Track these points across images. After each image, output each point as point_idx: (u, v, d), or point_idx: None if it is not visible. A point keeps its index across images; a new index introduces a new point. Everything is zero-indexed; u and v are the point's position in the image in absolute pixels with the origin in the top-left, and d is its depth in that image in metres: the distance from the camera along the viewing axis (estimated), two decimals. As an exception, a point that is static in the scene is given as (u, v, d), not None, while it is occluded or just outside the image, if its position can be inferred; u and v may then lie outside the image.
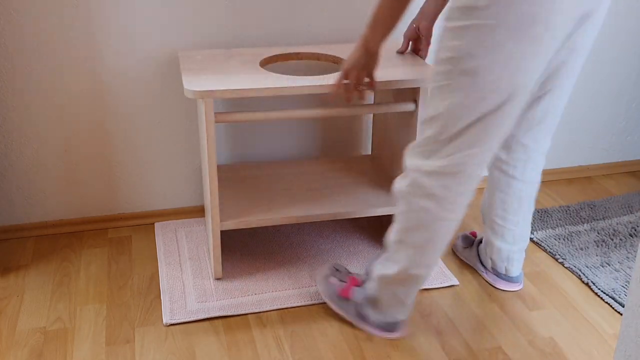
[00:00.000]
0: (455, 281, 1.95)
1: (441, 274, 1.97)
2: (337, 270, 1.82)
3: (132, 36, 1.96)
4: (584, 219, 2.27)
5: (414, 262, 1.58)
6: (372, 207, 1.96)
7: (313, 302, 1.84)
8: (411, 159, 1.52)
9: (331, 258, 2.03)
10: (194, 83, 1.71)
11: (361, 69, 1.64)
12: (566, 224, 2.24)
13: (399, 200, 1.56)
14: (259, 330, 1.74)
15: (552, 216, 2.27)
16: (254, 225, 1.89)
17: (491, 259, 1.90)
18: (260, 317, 1.79)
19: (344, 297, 1.75)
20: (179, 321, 1.76)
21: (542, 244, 2.12)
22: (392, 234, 1.60)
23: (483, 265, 1.95)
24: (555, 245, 2.12)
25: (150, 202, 2.21)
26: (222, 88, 1.70)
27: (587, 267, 2.01)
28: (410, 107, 1.83)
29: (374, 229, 2.18)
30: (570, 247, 2.11)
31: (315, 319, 1.79)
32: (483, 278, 1.96)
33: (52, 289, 1.90)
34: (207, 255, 2.04)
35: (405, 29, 1.93)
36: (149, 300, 1.85)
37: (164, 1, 1.94)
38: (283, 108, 1.86)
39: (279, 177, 2.10)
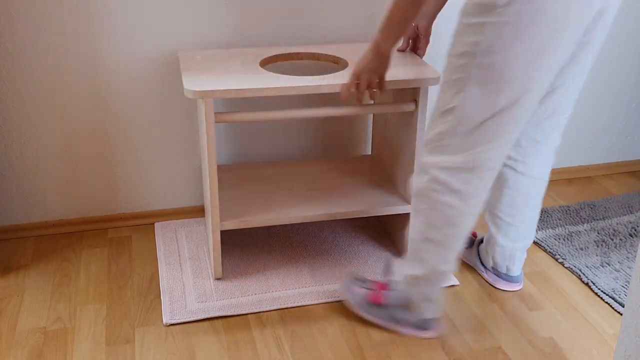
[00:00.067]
0: (455, 281, 1.95)
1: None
2: (357, 279, 1.81)
3: (132, 36, 1.96)
4: (584, 219, 2.27)
5: (441, 259, 1.60)
6: (372, 207, 1.96)
7: (313, 302, 1.84)
8: (428, 155, 1.53)
9: (331, 258, 2.03)
10: (194, 83, 1.71)
11: (372, 71, 1.66)
12: (566, 224, 2.24)
13: (420, 198, 1.57)
14: (259, 330, 1.74)
15: (552, 216, 2.27)
16: (254, 225, 1.89)
17: (493, 258, 1.90)
18: (260, 317, 1.79)
19: (375, 303, 1.74)
20: (179, 321, 1.76)
21: (542, 244, 2.12)
22: (414, 233, 1.62)
23: (483, 265, 1.95)
24: (555, 245, 2.12)
25: (150, 202, 2.21)
26: (222, 88, 1.70)
27: (587, 267, 2.01)
28: (410, 107, 1.83)
29: (374, 229, 2.18)
30: (570, 247, 2.11)
31: (315, 319, 1.79)
32: (483, 278, 1.96)
33: (52, 289, 1.90)
34: (207, 255, 2.04)
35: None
36: (149, 300, 1.85)
37: (164, 1, 1.94)
38: (283, 108, 1.86)
39: (279, 177, 2.10)
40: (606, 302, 1.87)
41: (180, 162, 2.17)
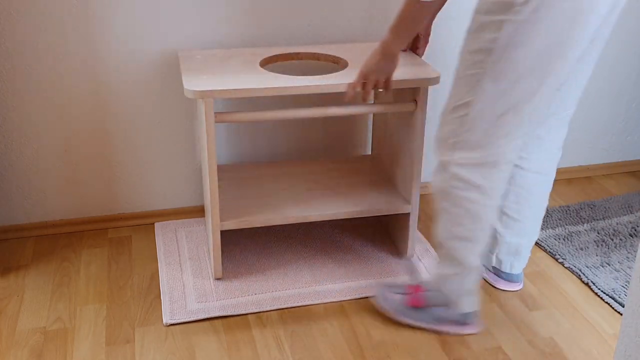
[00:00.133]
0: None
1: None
2: (390, 285, 1.81)
3: (132, 36, 1.96)
4: (584, 219, 2.27)
5: (471, 253, 1.63)
6: (372, 207, 1.96)
7: (313, 302, 1.84)
8: (445, 153, 1.55)
9: (331, 258, 2.03)
10: (194, 83, 1.71)
11: (380, 71, 1.67)
12: (566, 224, 2.24)
13: (442, 197, 1.59)
14: (259, 330, 1.74)
15: (552, 216, 2.27)
16: (254, 225, 1.89)
17: (497, 256, 1.89)
18: (260, 317, 1.79)
19: (414, 307, 1.74)
20: (179, 321, 1.76)
21: (542, 244, 2.12)
22: (442, 232, 1.64)
23: (484, 265, 1.95)
24: (555, 245, 2.12)
25: (150, 202, 2.21)
26: (222, 88, 1.70)
27: (587, 267, 2.01)
28: (410, 107, 1.83)
29: (374, 229, 2.18)
30: (570, 247, 2.11)
31: (315, 319, 1.79)
32: (483, 278, 1.96)
33: (52, 289, 1.90)
34: (207, 255, 2.04)
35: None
36: (149, 300, 1.85)
37: (164, 1, 1.94)
38: (283, 108, 1.86)
39: (279, 177, 2.10)
40: (606, 302, 1.87)
41: (180, 162, 2.17)
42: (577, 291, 1.93)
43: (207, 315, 1.78)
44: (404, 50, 1.95)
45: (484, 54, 1.42)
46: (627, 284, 1.93)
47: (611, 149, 2.61)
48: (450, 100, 1.54)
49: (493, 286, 1.93)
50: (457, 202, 1.57)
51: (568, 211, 2.31)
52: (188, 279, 1.93)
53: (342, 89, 1.75)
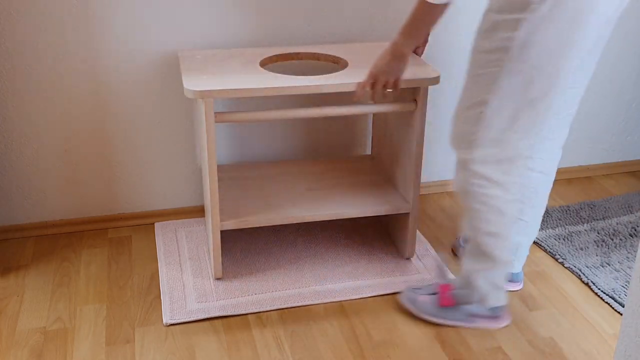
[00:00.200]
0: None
1: (441, 274, 1.97)
2: (417, 288, 1.82)
3: (132, 36, 1.96)
4: (584, 219, 2.27)
5: (502, 247, 1.65)
6: (372, 207, 1.96)
7: (313, 302, 1.84)
8: (463, 151, 1.57)
9: (331, 258, 2.03)
10: (194, 83, 1.71)
11: (390, 72, 1.68)
12: (566, 224, 2.24)
13: (465, 197, 1.61)
14: (259, 330, 1.74)
15: (552, 216, 2.27)
16: (254, 225, 1.89)
17: None
18: (260, 317, 1.79)
19: (446, 306, 1.76)
20: (179, 321, 1.76)
21: (542, 244, 2.12)
22: (470, 231, 1.65)
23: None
24: (555, 245, 2.12)
25: (150, 202, 2.21)
26: (222, 88, 1.70)
27: (587, 267, 2.01)
28: (410, 106, 1.83)
29: (374, 229, 2.18)
30: (570, 247, 2.11)
31: (315, 319, 1.79)
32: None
33: (52, 289, 1.90)
34: (207, 255, 2.04)
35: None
36: (149, 300, 1.85)
37: (164, 1, 1.94)
38: (283, 108, 1.86)
39: (279, 177, 2.10)
40: (606, 302, 1.87)
41: (180, 162, 2.17)
42: (577, 291, 1.93)
43: (207, 315, 1.78)
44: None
45: (500, 52, 1.44)
46: (627, 284, 1.93)
47: (611, 149, 2.60)
48: (464, 99, 1.56)
49: (493, 286, 1.93)
50: (480, 199, 1.59)
51: (568, 211, 2.31)
52: (188, 279, 1.93)
53: (342, 89, 1.75)
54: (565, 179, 2.55)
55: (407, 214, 1.96)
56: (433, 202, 2.38)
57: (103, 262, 2.01)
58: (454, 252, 2.08)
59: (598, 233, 2.19)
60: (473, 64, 1.52)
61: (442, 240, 2.15)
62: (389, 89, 1.71)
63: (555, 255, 2.07)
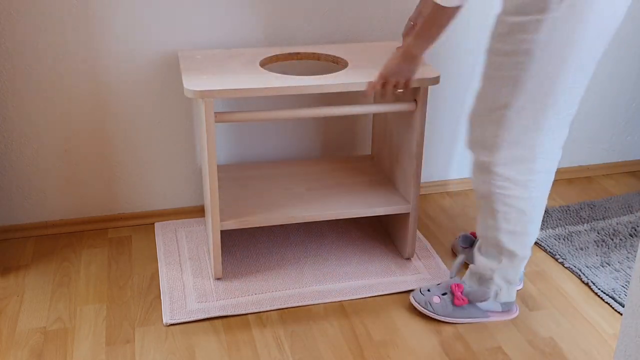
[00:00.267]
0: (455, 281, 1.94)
1: (441, 274, 1.97)
2: (428, 289, 1.82)
3: (132, 36, 1.96)
4: (584, 219, 2.27)
5: (523, 245, 1.68)
6: (372, 207, 1.96)
7: (313, 302, 1.84)
8: (484, 154, 1.58)
9: (331, 258, 2.03)
10: (194, 83, 1.71)
11: (401, 73, 1.69)
12: (566, 224, 2.24)
13: (488, 199, 1.63)
14: (259, 330, 1.74)
15: (552, 216, 2.27)
16: (254, 225, 1.89)
17: None
18: (260, 317, 1.79)
19: (462, 305, 1.77)
20: (179, 321, 1.76)
21: (542, 244, 2.12)
22: (492, 231, 1.67)
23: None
24: (555, 245, 2.12)
25: (150, 202, 2.21)
26: (222, 88, 1.70)
27: (587, 267, 2.01)
28: (410, 107, 1.83)
29: (374, 229, 2.18)
30: (570, 247, 2.11)
31: (315, 319, 1.79)
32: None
33: (52, 289, 1.90)
34: (207, 255, 2.04)
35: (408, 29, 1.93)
36: (149, 300, 1.85)
37: (164, 1, 1.94)
38: (283, 108, 1.86)
39: (279, 177, 2.10)
40: (606, 302, 1.87)
41: (180, 162, 2.17)
42: (577, 291, 1.93)
43: (207, 315, 1.78)
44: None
45: (522, 55, 1.45)
46: (627, 284, 1.93)
47: (611, 149, 2.60)
48: (484, 103, 1.56)
49: (493, 286, 1.93)
50: (503, 200, 1.61)
51: (568, 211, 2.31)
52: (188, 279, 1.93)
53: (341, 89, 1.75)
54: (565, 179, 2.55)
55: (407, 214, 1.96)
56: (433, 202, 2.38)
57: (103, 262, 2.01)
58: (454, 252, 2.08)
59: (598, 233, 2.19)
60: (491, 68, 1.53)
61: (442, 240, 2.15)
62: (399, 89, 1.73)
63: (555, 255, 2.07)
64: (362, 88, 1.76)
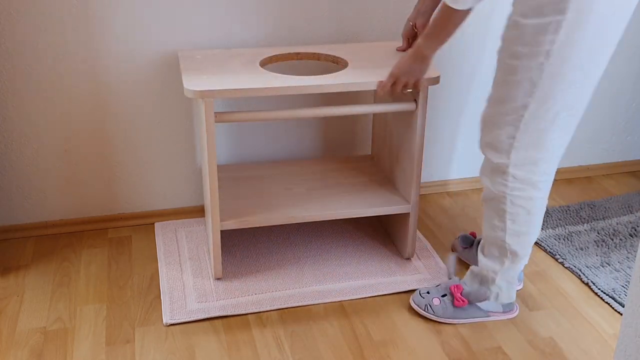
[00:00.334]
0: (455, 281, 1.94)
1: (441, 274, 1.97)
2: (427, 292, 1.82)
3: (132, 36, 1.96)
4: (584, 219, 2.27)
5: (527, 245, 1.69)
6: (372, 207, 1.96)
7: (313, 302, 1.84)
8: (500, 156, 1.59)
9: (331, 258, 2.03)
10: (194, 83, 1.71)
11: (411, 74, 1.70)
12: (566, 224, 2.24)
13: (499, 200, 1.63)
14: (259, 330, 1.74)
15: (552, 216, 2.27)
16: (254, 225, 1.89)
17: None
18: (260, 317, 1.79)
19: (462, 306, 1.77)
20: (179, 321, 1.76)
21: (542, 244, 2.12)
22: (498, 232, 1.67)
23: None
24: (555, 245, 2.12)
25: (150, 202, 2.21)
26: (222, 88, 1.70)
27: (587, 267, 2.01)
28: (410, 107, 1.83)
29: (374, 229, 2.18)
30: (570, 247, 2.11)
31: (315, 319, 1.79)
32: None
33: (52, 289, 1.90)
34: (207, 255, 2.04)
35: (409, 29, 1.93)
36: (149, 300, 1.85)
37: (164, 1, 1.94)
38: (283, 108, 1.86)
39: (279, 177, 2.10)
40: (606, 302, 1.87)
41: (180, 162, 2.17)
42: (577, 291, 1.93)
43: (207, 315, 1.78)
44: (404, 50, 1.95)
45: (541, 56, 1.44)
46: (627, 284, 1.93)
47: (611, 149, 2.60)
48: (499, 105, 1.56)
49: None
50: (516, 202, 1.62)
51: (568, 211, 2.31)
52: (188, 279, 1.93)
53: (341, 89, 1.75)
54: (565, 179, 2.55)
55: (407, 214, 1.96)
56: (433, 202, 2.38)
57: (103, 262, 2.01)
58: (454, 252, 2.08)
59: (598, 233, 2.19)
60: (505, 71, 1.52)
61: (442, 240, 2.15)
62: (409, 89, 1.74)
63: (555, 255, 2.07)
64: (362, 88, 1.76)
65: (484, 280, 1.77)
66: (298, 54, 1.98)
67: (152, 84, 2.04)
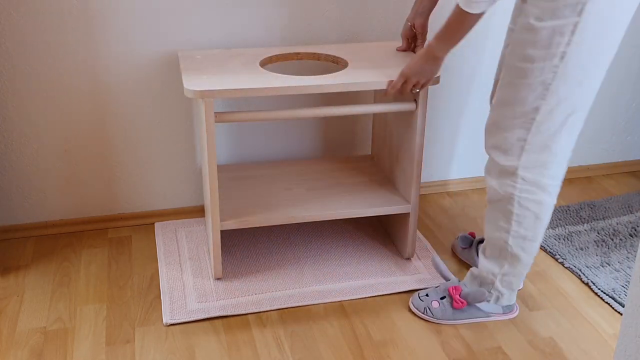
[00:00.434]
0: (455, 282, 1.94)
1: (440, 274, 1.97)
2: (426, 295, 1.82)
3: (132, 36, 1.96)
4: (584, 219, 2.27)
5: (532, 250, 1.69)
6: (372, 207, 1.96)
7: (313, 302, 1.84)
8: (510, 159, 1.58)
9: (331, 258, 2.03)
10: (194, 83, 1.71)
11: (422, 74, 1.71)
12: (566, 224, 2.24)
13: (506, 202, 1.63)
14: (259, 330, 1.74)
15: (552, 216, 2.27)
16: (254, 225, 1.89)
17: None
18: (260, 317, 1.79)
19: (461, 308, 1.77)
20: (179, 321, 1.76)
21: (542, 244, 2.12)
22: (503, 234, 1.66)
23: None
24: (555, 245, 2.12)
25: (150, 202, 2.21)
26: (222, 88, 1.70)
27: (587, 267, 2.01)
28: (410, 107, 1.83)
29: (374, 229, 2.18)
30: (570, 247, 2.11)
31: (315, 319, 1.79)
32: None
33: (52, 289, 1.90)
34: (207, 255, 2.04)
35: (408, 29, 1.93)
36: (149, 300, 1.85)
37: (164, 1, 1.94)
38: (283, 108, 1.86)
39: (279, 177, 2.10)
40: (606, 302, 1.87)
41: (180, 162, 2.17)
42: (577, 291, 1.93)
43: (207, 315, 1.78)
44: (404, 50, 1.95)
45: (556, 58, 1.44)
46: (627, 284, 1.93)
47: (611, 149, 2.60)
48: (509, 108, 1.55)
49: (493, 286, 1.93)
50: (524, 204, 1.61)
51: (568, 211, 2.31)
52: (188, 279, 1.93)
53: (341, 89, 1.75)
54: (566, 179, 2.52)
55: (407, 214, 1.96)
56: (433, 202, 2.38)
57: (103, 262, 2.01)
58: (453, 252, 2.08)
59: (598, 233, 2.19)
60: (517, 75, 1.51)
61: (442, 240, 2.15)
62: (417, 89, 1.74)
63: (555, 255, 2.07)
64: (362, 88, 1.76)
65: (483, 283, 1.77)
66: (298, 54, 1.98)
67: (152, 84, 2.04)
